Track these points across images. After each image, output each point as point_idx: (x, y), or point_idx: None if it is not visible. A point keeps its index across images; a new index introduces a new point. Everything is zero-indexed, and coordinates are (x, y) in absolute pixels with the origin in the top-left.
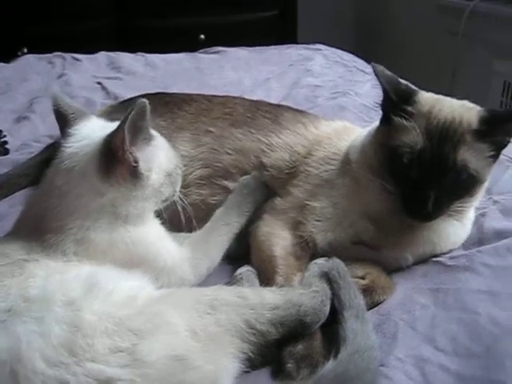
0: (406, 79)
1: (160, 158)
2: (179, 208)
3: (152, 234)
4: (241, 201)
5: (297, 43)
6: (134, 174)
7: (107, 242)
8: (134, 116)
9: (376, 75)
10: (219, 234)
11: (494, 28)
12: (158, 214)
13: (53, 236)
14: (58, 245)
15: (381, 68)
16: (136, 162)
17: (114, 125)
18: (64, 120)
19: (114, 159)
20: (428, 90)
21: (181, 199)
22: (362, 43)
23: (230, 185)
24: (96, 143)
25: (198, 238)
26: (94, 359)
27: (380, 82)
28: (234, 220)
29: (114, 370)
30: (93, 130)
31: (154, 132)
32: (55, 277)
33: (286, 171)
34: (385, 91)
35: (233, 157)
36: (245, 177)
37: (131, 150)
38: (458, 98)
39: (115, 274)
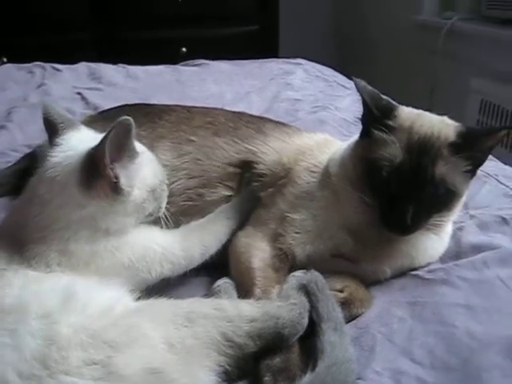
0: (384, 95)
1: (144, 173)
2: (162, 223)
3: (137, 236)
4: (243, 203)
5: (278, 57)
6: (115, 189)
7: (89, 252)
8: (116, 132)
9: (358, 89)
10: (219, 224)
11: (472, 46)
12: None
13: (35, 246)
14: (42, 255)
15: (362, 83)
16: (117, 177)
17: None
18: (53, 129)
19: (95, 173)
20: (407, 107)
21: (165, 216)
22: (342, 59)
23: (216, 194)
24: (80, 155)
25: (194, 225)
26: (67, 372)
27: (362, 96)
28: (236, 216)
29: (87, 382)
30: (80, 140)
31: (140, 147)
32: (32, 287)
33: (275, 179)
34: (366, 105)
35: (218, 166)
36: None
37: (112, 165)
38: (438, 114)
39: (93, 284)
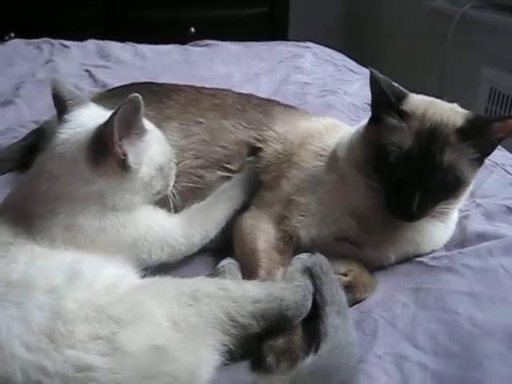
0: (393, 81)
1: (152, 151)
2: (170, 202)
3: (141, 215)
4: (246, 181)
5: (287, 40)
6: (123, 166)
7: (96, 227)
8: (125, 110)
9: (371, 76)
10: (219, 207)
11: (483, 35)
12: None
13: (41, 221)
14: (47, 231)
15: (375, 71)
16: (125, 154)
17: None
18: (62, 105)
19: (103, 150)
20: (416, 94)
21: (173, 194)
22: (352, 43)
23: (223, 175)
24: (89, 132)
25: (195, 209)
26: (73, 346)
27: (376, 82)
28: (237, 196)
29: (92, 357)
30: (89, 117)
31: (148, 125)
32: (38, 262)
33: (281, 162)
34: (380, 91)
35: (225, 148)
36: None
37: (120, 142)
38: (448, 102)
39: (98, 261)
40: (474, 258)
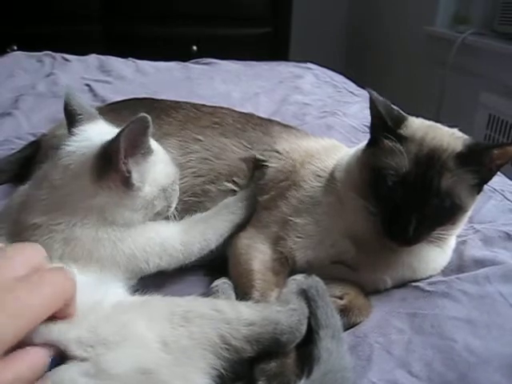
0: (393, 105)
1: (156, 172)
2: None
3: (140, 227)
4: (249, 197)
5: (288, 61)
6: (126, 183)
7: (92, 239)
8: (132, 128)
9: (371, 98)
10: (222, 218)
11: (483, 61)
12: None
13: (38, 233)
14: (44, 246)
15: (375, 93)
16: (129, 172)
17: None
18: (72, 118)
19: (108, 166)
20: (415, 111)
21: (174, 216)
22: (352, 66)
23: (227, 188)
24: (95, 147)
25: (197, 218)
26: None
27: (375, 105)
28: (240, 211)
29: (75, 376)
30: (96, 132)
31: (155, 145)
32: None
33: (280, 181)
34: (378, 114)
35: (225, 166)
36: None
37: (125, 160)
38: (449, 127)
39: (89, 279)
40: (472, 284)
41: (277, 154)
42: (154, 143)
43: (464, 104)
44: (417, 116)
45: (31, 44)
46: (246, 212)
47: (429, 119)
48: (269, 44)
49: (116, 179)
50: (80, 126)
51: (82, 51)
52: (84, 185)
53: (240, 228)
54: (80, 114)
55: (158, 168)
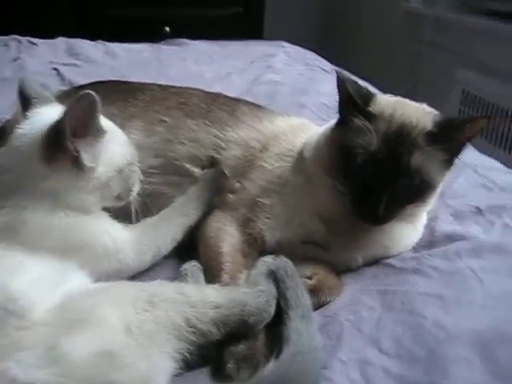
0: (367, 81)
1: (111, 152)
2: (132, 208)
3: (92, 220)
4: (201, 195)
5: (262, 40)
6: (77, 164)
7: (41, 224)
8: (78, 107)
9: (338, 78)
10: (174, 223)
11: (457, 37)
12: (108, 211)
13: None
14: None
15: (343, 72)
16: (77, 152)
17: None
18: (27, 104)
19: (56, 146)
20: (389, 93)
21: (135, 207)
22: (327, 44)
23: (182, 175)
24: (45, 128)
25: (149, 223)
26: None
27: (343, 84)
28: (192, 212)
29: (32, 371)
30: (49, 115)
31: (109, 125)
32: None
33: (240, 167)
34: (346, 93)
35: (186, 148)
36: (205, 171)
37: (72, 139)
38: (417, 102)
39: (47, 262)
40: (442, 259)
41: (237, 139)
42: (107, 123)
43: (439, 80)
44: (392, 93)
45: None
46: (197, 212)
47: (404, 96)
48: (242, 24)
49: (66, 160)
50: (34, 110)
51: (51, 33)
52: (34, 167)
53: (208, 212)
54: (35, 98)
55: (113, 148)
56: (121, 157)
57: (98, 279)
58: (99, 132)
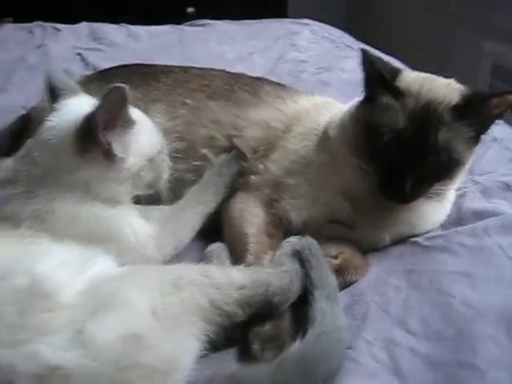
0: (395, 57)
1: (140, 142)
2: (162, 195)
3: (117, 213)
4: (218, 180)
5: (286, 18)
6: (108, 155)
7: (69, 214)
8: (109, 99)
9: (365, 55)
10: (192, 212)
11: (486, 9)
12: (138, 198)
13: (12, 207)
14: (14, 217)
15: (368, 49)
16: (109, 144)
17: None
18: (54, 95)
19: (88, 138)
20: (418, 69)
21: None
22: (353, 20)
23: (207, 158)
24: (76, 120)
25: (169, 214)
26: (40, 340)
27: (371, 61)
28: (210, 199)
29: (60, 353)
30: (78, 107)
31: (138, 115)
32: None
33: (262, 148)
34: (372, 70)
35: (209, 130)
36: (222, 155)
37: (104, 132)
38: (445, 77)
39: (74, 248)
40: (470, 236)
41: (258, 120)
42: (136, 113)
43: (468, 53)
44: (420, 69)
45: (26, 14)
46: (215, 198)
47: (432, 70)
48: (267, 1)
49: (97, 152)
50: (62, 101)
51: (74, 18)
52: (66, 159)
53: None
54: (63, 89)
55: (142, 138)
56: (150, 146)
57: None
58: (129, 123)
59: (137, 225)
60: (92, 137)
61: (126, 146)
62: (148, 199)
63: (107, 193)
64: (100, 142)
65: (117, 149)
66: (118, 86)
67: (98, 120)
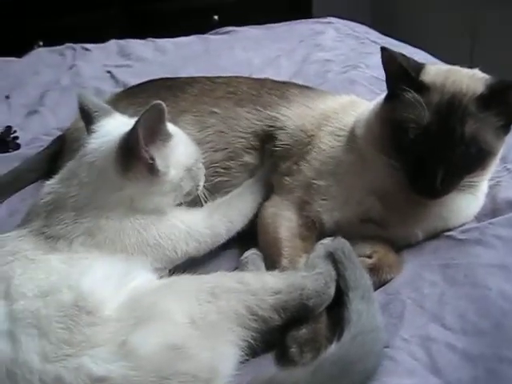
0: (423, 47)
1: (178, 154)
2: (203, 202)
3: (166, 216)
4: (268, 176)
5: (312, 18)
6: (152, 170)
7: (116, 229)
8: (148, 116)
9: (387, 53)
10: (244, 199)
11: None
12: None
13: (65, 226)
14: (67, 235)
15: (388, 48)
16: (152, 159)
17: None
18: (88, 118)
19: (131, 156)
20: (447, 57)
21: (204, 194)
22: (378, 15)
23: (243, 166)
24: (115, 140)
25: (220, 201)
26: (87, 353)
27: (393, 58)
28: (260, 190)
29: (106, 365)
30: (114, 126)
31: (173, 129)
32: (53, 273)
33: (299, 146)
34: (395, 67)
35: (243, 137)
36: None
37: (146, 148)
38: (479, 62)
39: (116, 263)
40: (505, 227)
41: (292, 118)
42: (171, 126)
43: (500, 35)
44: (451, 55)
45: (57, 37)
46: (266, 190)
47: (464, 55)
48: (291, 2)
49: (141, 168)
50: (98, 123)
51: (103, 38)
52: (111, 179)
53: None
54: (96, 111)
55: (180, 150)
56: (188, 157)
57: (177, 262)
58: (167, 137)
59: (187, 215)
60: (134, 154)
61: (166, 160)
62: (186, 205)
63: (151, 205)
64: (143, 158)
65: (159, 163)
66: (156, 103)
67: (140, 137)
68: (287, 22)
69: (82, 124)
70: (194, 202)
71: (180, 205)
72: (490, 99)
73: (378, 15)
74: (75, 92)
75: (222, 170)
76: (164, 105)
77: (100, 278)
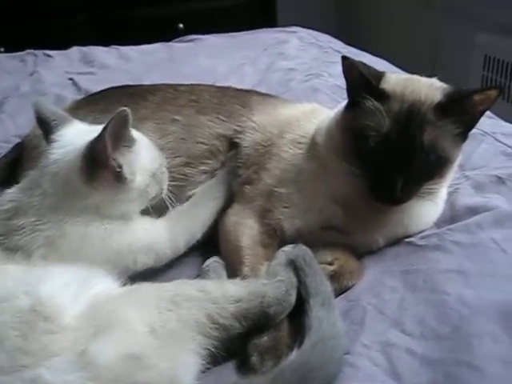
0: (386, 55)
1: (143, 159)
2: (168, 204)
3: (129, 224)
4: (229, 178)
5: (276, 27)
6: (119, 178)
7: (81, 236)
8: (114, 124)
9: (348, 63)
10: (203, 207)
11: (477, 0)
12: (145, 211)
13: (24, 235)
14: (27, 245)
15: (349, 57)
16: (120, 166)
17: (97, 129)
18: (46, 126)
19: (97, 165)
20: (409, 66)
21: (169, 197)
22: (342, 22)
23: (204, 171)
24: (79, 149)
25: (179, 210)
26: (43, 364)
27: (355, 67)
28: (219, 195)
29: (62, 376)
30: (76, 136)
31: (136, 134)
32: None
33: (260, 155)
34: (356, 75)
35: (204, 144)
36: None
37: (114, 155)
38: (440, 72)
39: (75, 271)
40: (464, 233)
41: (254, 126)
42: (134, 132)
43: (460, 46)
44: (412, 65)
45: (18, 43)
46: (225, 195)
47: (425, 65)
48: (256, 12)
49: (108, 177)
50: (58, 132)
51: (67, 45)
52: (76, 189)
53: (227, 206)
54: (54, 120)
55: (143, 155)
56: (152, 162)
57: (135, 272)
58: (131, 142)
59: (149, 225)
60: (100, 163)
61: (132, 166)
62: (151, 209)
63: (118, 212)
64: (111, 166)
65: (126, 170)
66: (121, 109)
67: (108, 145)
68: (252, 31)
69: (40, 131)
70: (159, 204)
71: (146, 209)
72: (447, 107)
73: (342, 25)
74: (34, 99)
75: (179, 176)
76: (129, 111)
77: (59, 285)
